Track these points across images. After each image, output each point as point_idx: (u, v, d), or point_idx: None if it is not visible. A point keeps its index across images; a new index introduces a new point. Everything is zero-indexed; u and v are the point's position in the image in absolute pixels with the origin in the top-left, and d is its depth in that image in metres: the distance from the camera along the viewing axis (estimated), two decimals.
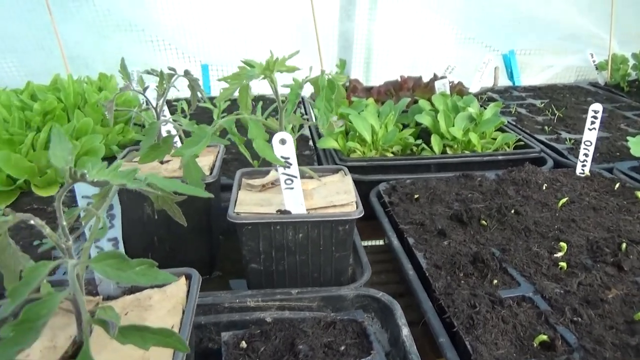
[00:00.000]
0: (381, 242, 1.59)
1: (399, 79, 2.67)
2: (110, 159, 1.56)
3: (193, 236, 1.27)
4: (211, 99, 2.31)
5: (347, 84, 2.84)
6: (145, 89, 1.27)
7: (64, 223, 0.63)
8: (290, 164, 1.01)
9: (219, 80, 1.11)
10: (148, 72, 1.32)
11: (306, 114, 2.49)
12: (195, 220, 1.26)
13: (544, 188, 1.44)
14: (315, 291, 1.05)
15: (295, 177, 1.02)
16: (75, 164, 1.55)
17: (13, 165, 1.38)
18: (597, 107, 1.50)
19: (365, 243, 1.52)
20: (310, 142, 1.98)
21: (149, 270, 0.60)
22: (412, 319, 1.10)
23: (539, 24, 2.99)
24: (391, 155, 1.76)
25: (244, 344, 0.90)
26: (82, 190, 0.77)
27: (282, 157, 1.00)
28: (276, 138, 0.99)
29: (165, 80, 1.30)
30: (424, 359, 1.02)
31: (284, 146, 0.99)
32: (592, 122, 1.51)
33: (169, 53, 2.74)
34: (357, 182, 1.57)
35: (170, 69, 1.33)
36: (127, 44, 2.68)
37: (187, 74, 1.33)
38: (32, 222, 0.63)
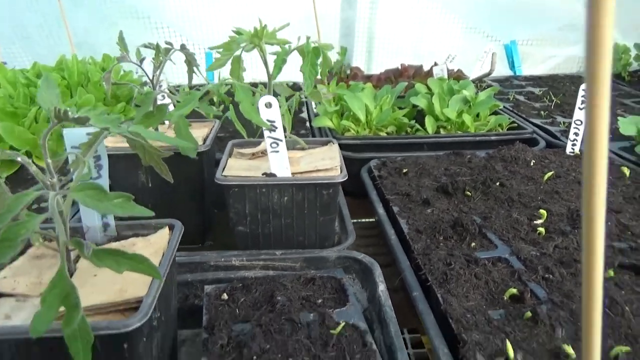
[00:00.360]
0: (373, 220, 1.62)
1: (400, 67, 2.70)
2: None
3: (186, 205, 1.32)
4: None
5: (348, 71, 2.87)
6: (141, 61, 1.31)
7: (49, 161, 0.68)
8: (276, 128, 1.04)
9: (210, 48, 1.15)
10: (146, 46, 1.36)
11: (307, 108, 2.50)
12: (188, 189, 1.30)
13: (532, 164, 1.47)
14: (299, 252, 1.09)
15: (281, 140, 1.06)
16: None
17: (16, 136, 1.44)
18: None
19: (357, 220, 1.55)
20: (308, 124, 2.02)
21: (127, 204, 0.65)
22: (395, 286, 1.13)
23: (541, 14, 3.00)
24: (385, 135, 1.79)
25: (225, 296, 0.94)
26: (71, 140, 0.81)
27: (267, 120, 1.04)
28: (262, 101, 1.02)
29: (161, 53, 1.34)
30: (406, 325, 1.05)
31: (269, 109, 1.03)
32: (583, 102, 1.52)
33: (174, 40, 2.79)
34: (350, 160, 1.61)
35: (167, 43, 1.38)
36: (133, 31, 2.73)
37: (183, 48, 1.38)
38: (18, 159, 0.67)
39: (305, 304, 0.92)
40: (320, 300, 0.93)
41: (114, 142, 1.33)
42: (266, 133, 1.06)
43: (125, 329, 0.61)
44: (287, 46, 1.11)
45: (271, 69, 1.16)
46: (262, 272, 1.06)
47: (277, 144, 1.06)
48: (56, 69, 1.89)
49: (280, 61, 1.08)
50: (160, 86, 1.40)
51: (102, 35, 2.73)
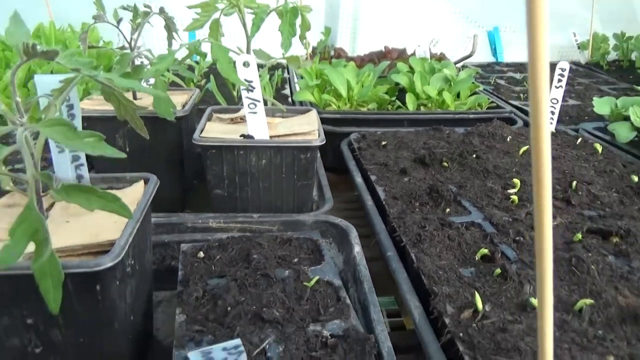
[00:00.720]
0: (354, 194, 1.62)
1: (383, 50, 2.71)
2: None
3: (165, 172, 1.30)
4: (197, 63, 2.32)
5: (332, 52, 2.87)
6: (119, 22, 1.29)
7: (18, 99, 0.66)
8: (254, 88, 1.04)
9: (188, 7, 1.14)
10: (124, 8, 1.34)
11: (290, 85, 2.49)
12: (167, 155, 1.29)
13: (508, 140, 1.49)
14: (276, 216, 1.09)
15: (259, 101, 1.05)
16: None
17: None
18: (564, 65, 1.54)
19: (338, 195, 1.55)
20: (290, 100, 2.01)
21: (98, 143, 0.64)
22: (374, 256, 1.13)
23: (523, 2, 3.02)
24: (366, 110, 1.80)
25: (201, 254, 0.94)
26: (43, 86, 0.79)
27: (245, 79, 1.03)
28: (240, 60, 1.02)
29: (140, 15, 1.32)
30: (383, 293, 1.05)
31: (247, 69, 1.02)
32: (559, 80, 1.55)
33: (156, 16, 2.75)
34: (330, 134, 1.61)
35: (146, 6, 1.35)
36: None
37: (162, 12, 1.36)
38: None
39: (281, 262, 0.92)
40: (296, 260, 0.94)
41: (91, 105, 1.31)
42: (244, 93, 1.05)
43: (97, 267, 0.60)
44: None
45: (250, 31, 1.15)
46: (239, 234, 1.06)
47: (255, 105, 1.06)
48: (33, 36, 1.85)
49: (259, 20, 1.08)
50: (139, 49, 1.38)
51: (81, 9, 2.67)
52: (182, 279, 0.85)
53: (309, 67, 1.89)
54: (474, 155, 1.33)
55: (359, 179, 1.27)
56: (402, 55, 2.68)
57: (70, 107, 0.82)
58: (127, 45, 1.35)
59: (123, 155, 0.66)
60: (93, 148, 0.62)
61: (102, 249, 0.67)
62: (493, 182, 1.19)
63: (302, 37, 1.09)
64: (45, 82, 0.80)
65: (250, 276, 0.85)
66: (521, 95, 2.14)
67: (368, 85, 1.78)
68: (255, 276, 0.85)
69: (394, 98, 1.87)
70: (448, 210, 1.07)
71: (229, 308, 0.76)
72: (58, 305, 0.58)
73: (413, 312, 0.77)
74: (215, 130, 1.16)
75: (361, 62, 2.56)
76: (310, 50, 2.64)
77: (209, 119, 1.25)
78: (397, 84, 1.95)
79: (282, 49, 1.06)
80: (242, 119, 1.25)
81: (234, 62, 1.07)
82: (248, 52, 1.12)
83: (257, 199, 1.14)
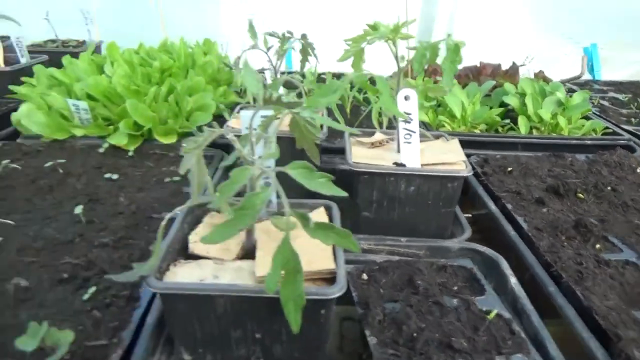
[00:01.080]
0: (468, 215, 1.63)
1: (478, 65, 2.70)
2: (216, 116, 1.70)
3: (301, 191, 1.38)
4: (290, 73, 2.42)
5: (426, 66, 2.89)
6: (269, 49, 1.38)
7: (254, 139, 0.75)
8: (412, 120, 1.09)
9: (345, 40, 1.20)
10: (270, 35, 1.43)
11: None
12: None
13: (639, 171, 1.46)
14: (423, 241, 1.14)
15: (414, 132, 1.10)
16: (188, 118, 1.69)
17: (140, 113, 1.53)
18: None
19: None
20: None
21: (328, 184, 0.71)
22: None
23: (623, 18, 2.93)
24: (479, 132, 1.81)
25: (365, 276, 1.00)
26: (246, 120, 0.88)
27: (405, 112, 1.08)
28: (401, 94, 1.07)
29: (285, 42, 1.41)
30: None
31: (407, 102, 1.08)
32: None
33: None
34: None
35: (288, 32, 1.44)
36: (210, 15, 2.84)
37: (303, 37, 1.44)
38: (228, 136, 0.74)
39: (443, 290, 0.97)
40: (455, 288, 0.98)
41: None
42: (402, 124, 1.11)
43: (330, 295, 0.67)
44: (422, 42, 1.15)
45: (401, 64, 1.20)
46: (388, 257, 1.12)
47: (411, 135, 1.11)
48: (162, 51, 1.99)
49: (421, 56, 1.13)
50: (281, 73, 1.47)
51: (189, 19, 2.84)
52: (359, 301, 0.91)
53: (420, 87, 1.92)
54: (609, 188, 1.32)
55: (493, 207, 1.29)
56: (496, 70, 2.66)
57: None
58: (270, 66, 1.45)
59: (345, 194, 0.72)
60: (326, 188, 0.69)
61: (320, 276, 0.74)
62: (638, 218, 1.18)
63: (455, 71, 1.14)
64: (248, 117, 0.88)
65: (423, 303, 0.90)
66: (632, 119, 2.08)
67: (483, 107, 1.79)
68: (427, 303, 0.90)
69: (507, 120, 1.87)
70: (598, 246, 1.08)
71: (414, 334, 0.81)
72: (299, 325, 0.66)
73: (595, 352, 0.79)
74: (360, 155, 1.22)
75: (458, 78, 2.57)
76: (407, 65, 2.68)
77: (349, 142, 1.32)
78: (501, 104, 1.96)
79: (445, 86, 1.11)
80: (381, 143, 1.31)
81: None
82: (399, 83, 1.17)
83: (402, 223, 1.19)
